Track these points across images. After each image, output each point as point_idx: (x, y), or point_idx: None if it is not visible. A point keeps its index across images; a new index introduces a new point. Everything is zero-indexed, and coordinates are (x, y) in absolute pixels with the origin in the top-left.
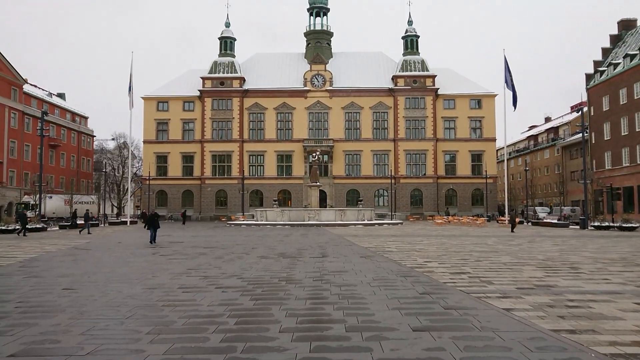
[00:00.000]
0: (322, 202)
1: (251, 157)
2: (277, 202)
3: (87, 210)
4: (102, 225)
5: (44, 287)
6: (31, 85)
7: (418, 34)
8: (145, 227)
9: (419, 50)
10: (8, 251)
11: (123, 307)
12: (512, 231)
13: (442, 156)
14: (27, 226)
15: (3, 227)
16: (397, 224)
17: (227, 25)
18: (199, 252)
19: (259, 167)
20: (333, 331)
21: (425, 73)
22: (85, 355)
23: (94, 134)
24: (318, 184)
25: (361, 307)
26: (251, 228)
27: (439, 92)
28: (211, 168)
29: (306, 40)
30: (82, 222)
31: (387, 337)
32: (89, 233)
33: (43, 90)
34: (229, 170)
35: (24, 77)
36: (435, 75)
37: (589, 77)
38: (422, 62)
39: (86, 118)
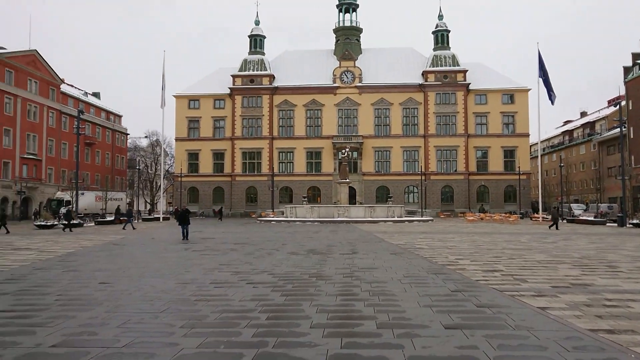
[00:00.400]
0: (352, 199)
1: (281, 154)
2: (306, 199)
3: (129, 207)
4: (136, 221)
5: (82, 280)
6: (68, 85)
7: (449, 28)
8: (178, 223)
9: (450, 45)
10: (47, 246)
11: (157, 301)
12: (550, 228)
13: (474, 152)
14: (69, 222)
15: (42, 223)
16: (427, 220)
17: (257, 23)
18: (230, 248)
19: (288, 163)
20: (364, 327)
21: (456, 68)
22: (121, 348)
23: (128, 132)
24: (347, 180)
25: (392, 304)
26: (281, 224)
27: (470, 87)
28: (241, 165)
29: (335, 37)
30: (124, 218)
31: (418, 335)
32: (123, 229)
33: (79, 89)
34: (259, 167)
35: (61, 77)
36: (467, 70)
37: (627, 70)
38: (453, 57)
39: (120, 116)
